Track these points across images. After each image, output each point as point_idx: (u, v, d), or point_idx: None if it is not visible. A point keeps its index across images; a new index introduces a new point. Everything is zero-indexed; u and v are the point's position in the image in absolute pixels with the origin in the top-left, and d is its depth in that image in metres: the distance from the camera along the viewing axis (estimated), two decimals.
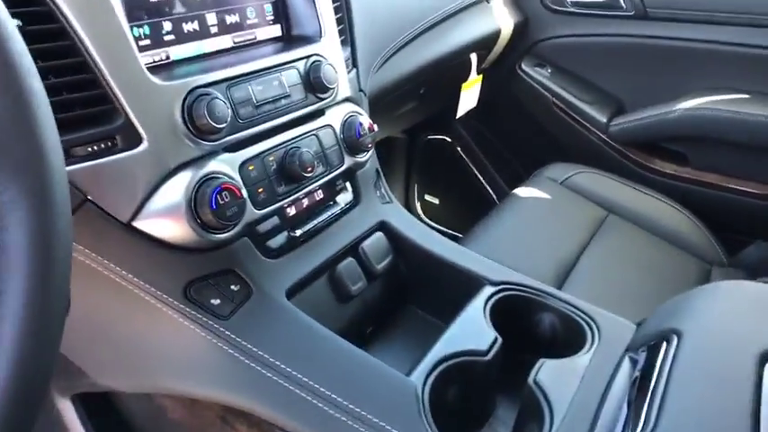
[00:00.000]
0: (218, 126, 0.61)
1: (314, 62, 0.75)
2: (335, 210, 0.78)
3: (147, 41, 0.64)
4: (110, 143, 0.57)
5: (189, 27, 0.68)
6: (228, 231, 0.63)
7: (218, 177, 0.61)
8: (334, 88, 0.77)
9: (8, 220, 0.31)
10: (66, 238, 0.33)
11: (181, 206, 0.59)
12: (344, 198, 0.80)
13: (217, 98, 0.62)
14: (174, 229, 0.60)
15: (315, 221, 0.75)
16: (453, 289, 0.77)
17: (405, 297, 0.85)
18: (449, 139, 1.75)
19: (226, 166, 0.64)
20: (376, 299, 0.81)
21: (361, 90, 0.91)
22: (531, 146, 1.68)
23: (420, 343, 0.69)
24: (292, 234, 0.72)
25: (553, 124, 1.55)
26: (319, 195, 0.77)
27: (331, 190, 0.79)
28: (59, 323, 0.33)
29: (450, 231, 1.81)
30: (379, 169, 0.90)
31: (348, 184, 0.82)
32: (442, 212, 1.82)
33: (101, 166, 0.57)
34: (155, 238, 0.60)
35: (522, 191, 1.26)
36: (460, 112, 1.45)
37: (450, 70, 1.35)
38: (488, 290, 0.73)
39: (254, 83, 0.68)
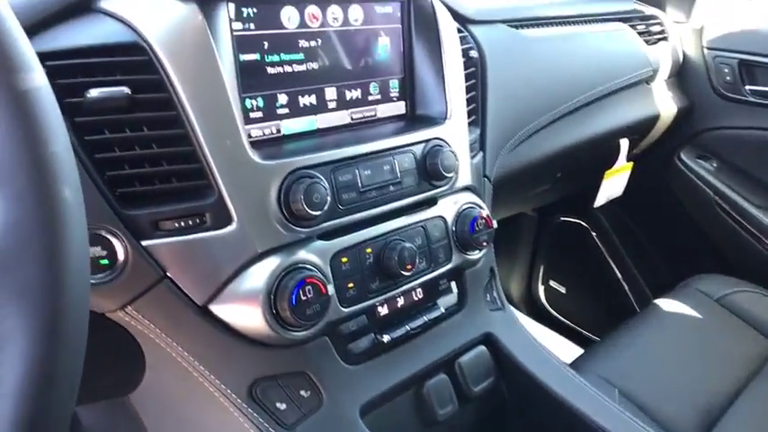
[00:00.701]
0: (313, 213, 0.56)
1: (433, 146, 0.68)
2: (434, 314, 0.68)
3: (259, 114, 0.61)
4: (198, 220, 0.55)
5: (305, 101, 0.65)
6: (306, 330, 0.56)
7: (305, 269, 0.55)
8: (451, 177, 0.68)
9: (5, 354, 0.26)
10: (71, 383, 0.27)
11: (259, 296, 0.54)
12: (447, 301, 0.71)
13: (317, 182, 0.56)
14: (248, 320, 0.55)
15: (408, 326, 0.66)
16: (562, 431, 0.63)
17: (502, 422, 0.72)
18: (585, 224, 1.59)
19: (316, 256, 0.58)
20: (466, 427, 0.70)
21: (485, 176, 0.81)
22: (683, 248, 1.47)
23: None
24: (379, 338, 0.63)
25: (713, 227, 1.34)
26: (418, 295, 0.68)
27: (432, 290, 0.69)
28: None
29: (573, 325, 1.62)
30: (495, 268, 0.79)
31: (453, 285, 0.72)
32: (568, 303, 1.64)
33: (185, 244, 0.54)
34: (228, 325, 0.56)
35: (666, 303, 1.07)
36: (601, 200, 1.30)
37: (594, 154, 1.22)
38: None
39: (362, 166, 0.62)
